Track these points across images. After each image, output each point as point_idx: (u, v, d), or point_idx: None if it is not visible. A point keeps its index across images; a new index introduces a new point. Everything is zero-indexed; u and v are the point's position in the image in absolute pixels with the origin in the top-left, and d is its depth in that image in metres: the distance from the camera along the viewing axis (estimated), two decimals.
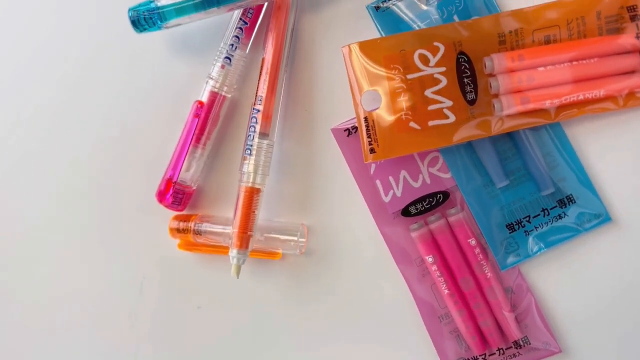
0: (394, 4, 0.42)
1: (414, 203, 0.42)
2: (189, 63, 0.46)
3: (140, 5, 0.42)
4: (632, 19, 0.40)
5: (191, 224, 0.45)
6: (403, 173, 0.42)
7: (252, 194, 0.43)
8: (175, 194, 0.45)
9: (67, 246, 0.47)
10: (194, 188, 0.45)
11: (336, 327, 0.44)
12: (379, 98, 0.40)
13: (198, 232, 0.45)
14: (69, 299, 0.47)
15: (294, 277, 0.45)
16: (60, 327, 0.47)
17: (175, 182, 0.44)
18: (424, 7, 0.42)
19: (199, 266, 0.46)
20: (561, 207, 0.41)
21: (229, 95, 0.45)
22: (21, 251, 0.47)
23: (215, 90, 0.44)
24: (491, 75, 0.40)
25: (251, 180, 0.43)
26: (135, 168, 0.46)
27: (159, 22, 0.42)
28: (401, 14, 0.42)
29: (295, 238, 0.44)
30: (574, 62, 0.39)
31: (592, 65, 0.39)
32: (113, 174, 0.47)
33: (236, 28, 0.44)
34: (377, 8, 0.43)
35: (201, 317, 0.46)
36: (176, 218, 0.46)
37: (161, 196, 0.45)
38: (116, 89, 0.46)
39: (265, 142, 0.43)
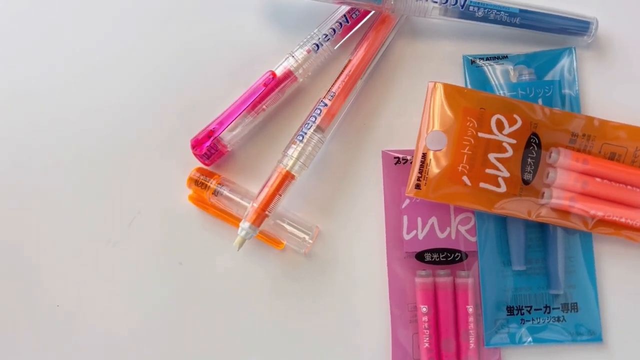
0: (490, 65, 0.43)
1: (431, 251, 0.43)
2: (276, 35, 0.46)
3: None
4: None
5: (212, 182, 0.44)
6: (433, 219, 0.43)
7: (286, 178, 0.43)
8: (210, 148, 0.44)
9: (84, 168, 0.46)
10: (228, 150, 0.45)
11: (304, 335, 0.44)
12: (444, 142, 0.41)
13: (216, 193, 0.44)
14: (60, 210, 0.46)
15: (287, 272, 0.45)
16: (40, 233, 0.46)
17: (215, 136, 0.44)
18: (514, 80, 0.43)
19: (199, 225, 0.45)
20: (563, 311, 0.42)
21: (300, 80, 0.45)
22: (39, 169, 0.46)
23: (292, 69, 0.44)
24: (552, 166, 0.41)
25: (290, 165, 0.42)
26: (176, 111, 0.46)
27: None
28: (492, 76, 0.43)
29: (305, 237, 0.44)
30: (629, 187, 0.41)
31: (636, 195, 0.41)
32: (154, 109, 0.46)
33: (337, 22, 0.44)
34: (473, 62, 0.44)
35: (178, 272, 0.45)
36: (199, 170, 0.45)
37: (197, 144, 0.44)
38: (197, 34, 0.47)
39: (319, 136, 0.43)
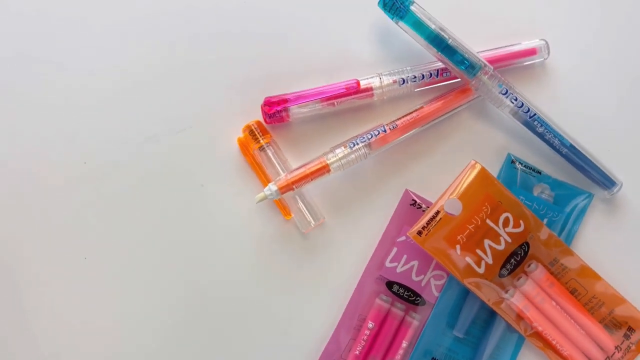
0: (524, 171, 0.50)
1: (400, 285, 0.50)
2: (375, 52, 0.52)
3: None
4: (626, 337, 0.49)
5: (263, 139, 0.51)
6: (415, 262, 0.50)
7: (323, 170, 0.49)
8: (278, 111, 0.50)
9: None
10: (289, 120, 0.51)
11: (267, 291, 0.51)
12: (459, 210, 0.48)
13: (262, 149, 0.50)
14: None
15: (282, 238, 0.51)
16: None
17: (287, 105, 0.50)
18: (535, 193, 0.50)
19: (232, 164, 0.52)
20: None
21: (375, 99, 0.51)
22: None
23: (373, 87, 0.50)
24: (526, 273, 0.48)
25: (332, 161, 0.49)
26: (264, 72, 0.52)
27: (396, 16, 0.48)
28: (521, 180, 0.50)
29: (312, 220, 0.50)
30: (571, 321, 0.48)
31: (574, 330, 0.48)
32: (251, 60, 0.53)
33: (428, 71, 0.50)
34: (513, 162, 0.51)
35: (197, 193, 0.52)
36: (258, 124, 0.51)
37: (269, 103, 0.50)
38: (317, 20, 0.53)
39: (366, 151, 0.49)
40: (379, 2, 0.48)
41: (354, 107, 0.52)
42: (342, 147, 0.49)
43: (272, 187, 0.49)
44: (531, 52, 0.51)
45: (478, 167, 0.48)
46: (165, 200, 0.52)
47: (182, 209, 0.51)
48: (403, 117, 0.50)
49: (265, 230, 0.51)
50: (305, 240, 0.52)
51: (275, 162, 0.51)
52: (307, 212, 0.51)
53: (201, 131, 0.52)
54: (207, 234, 0.51)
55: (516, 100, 0.49)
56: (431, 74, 0.51)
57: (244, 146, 0.52)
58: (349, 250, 0.51)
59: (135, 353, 0.51)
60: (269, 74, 0.52)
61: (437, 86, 0.51)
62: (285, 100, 0.50)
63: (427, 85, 0.51)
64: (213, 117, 0.52)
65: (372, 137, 0.50)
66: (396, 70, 0.51)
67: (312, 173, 0.49)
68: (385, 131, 0.50)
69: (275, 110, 0.50)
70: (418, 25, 0.48)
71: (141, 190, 0.52)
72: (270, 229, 0.52)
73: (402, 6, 0.48)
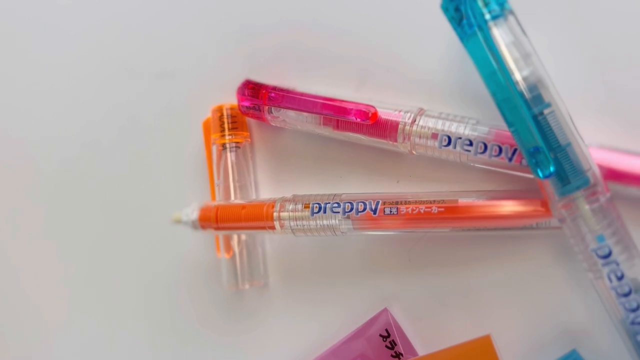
0: None
1: None
2: (440, 73, 0.30)
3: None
4: None
5: (231, 135, 0.34)
6: None
7: (263, 224, 0.31)
8: (252, 107, 0.32)
9: None
10: (271, 124, 0.33)
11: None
12: None
13: (224, 148, 0.34)
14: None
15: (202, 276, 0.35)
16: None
17: (268, 104, 0.32)
18: None
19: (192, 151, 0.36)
20: None
21: (397, 145, 0.30)
22: None
23: (401, 127, 0.29)
24: None
25: (282, 216, 0.31)
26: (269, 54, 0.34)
27: (459, 32, 0.25)
28: None
29: (239, 277, 0.33)
30: None
31: None
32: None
33: (500, 140, 0.27)
34: None
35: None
36: (235, 112, 0.34)
37: (246, 91, 0.32)
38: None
39: (343, 225, 0.30)
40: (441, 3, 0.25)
41: (357, 146, 0.31)
42: (305, 208, 0.30)
43: (191, 213, 0.32)
44: None
45: (488, 344, 0.26)
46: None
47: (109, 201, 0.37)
48: (420, 202, 0.28)
49: (194, 259, 0.36)
50: (238, 298, 0.35)
51: (231, 176, 0.34)
52: (239, 261, 0.34)
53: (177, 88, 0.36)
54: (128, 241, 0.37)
55: (617, 269, 0.24)
56: (501, 150, 0.27)
57: (207, 133, 0.35)
58: (285, 346, 0.34)
59: None
60: (283, 45, 0.34)
61: (509, 173, 0.28)
62: (265, 96, 0.32)
63: (488, 165, 0.28)
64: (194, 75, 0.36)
65: (352, 209, 0.29)
66: (452, 117, 0.28)
67: (248, 220, 0.31)
68: (374, 211, 0.29)
69: (249, 105, 0.32)
70: (481, 56, 0.25)
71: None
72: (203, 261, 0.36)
73: (473, 15, 0.25)
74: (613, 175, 0.25)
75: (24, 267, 0.38)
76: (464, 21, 0.25)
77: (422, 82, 0.31)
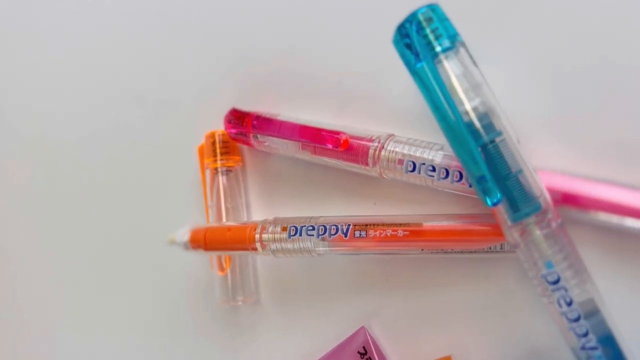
0: None
1: None
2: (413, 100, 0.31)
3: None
4: None
5: (223, 159, 0.35)
6: None
7: (246, 245, 0.33)
8: (241, 133, 0.34)
9: None
10: (257, 148, 0.34)
11: None
12: None
13: (217, 172, 0.36)
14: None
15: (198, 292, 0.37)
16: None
17: (252, 132, 0.34)
18: None
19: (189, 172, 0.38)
20: None
21: (370, 170, 0.31)
22: None
23: (371, 152, 0.30)
24: None
25: (264, 238, 0.32)
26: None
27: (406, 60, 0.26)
28: None
29: (230, 293, 0.35)
30: None
31: None
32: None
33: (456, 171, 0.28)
34: None
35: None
36: (226, 137, 0.36)
37: (232, 120, 0.34)
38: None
39: (318, 247, 0.31)
40: (394, 33, 0.26)
41: (339, 173, 0.33)
42: (283, 231, 0.32)
43: (183, 235, 0.35)
44: None
45: None
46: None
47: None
48: (389, 225, 0.29)
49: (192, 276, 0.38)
50: (231, 314, 0.37)
51: (222, 198, 0.36)
52: (232, 278, 0.35)
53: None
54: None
55: (566, 295, 0.24)
56: (461, 176, 0.28)
57: (202, 157, 0.37)
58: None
59: None
60: (271, 70, 0.35)
61: (467, 196, 0.29)
62: (249, 124, 0.34)
63: (451, 189, 0.29)
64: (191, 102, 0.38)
65: (325, 232, 0.31)
66: (419, 142, 0.29)
67: (232, 242, 0.33)
68: (345, 234, 0.30)
69: (236, 132, 0.34)
70: (426, 89, 0.26)
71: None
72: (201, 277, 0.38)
73: (422, 49, 0.25)
74: (566, 199, 0.26)
75: (20, 288, 0.41)
76: (413, 55, 0.25)
77: (396, 108, 0.32)
